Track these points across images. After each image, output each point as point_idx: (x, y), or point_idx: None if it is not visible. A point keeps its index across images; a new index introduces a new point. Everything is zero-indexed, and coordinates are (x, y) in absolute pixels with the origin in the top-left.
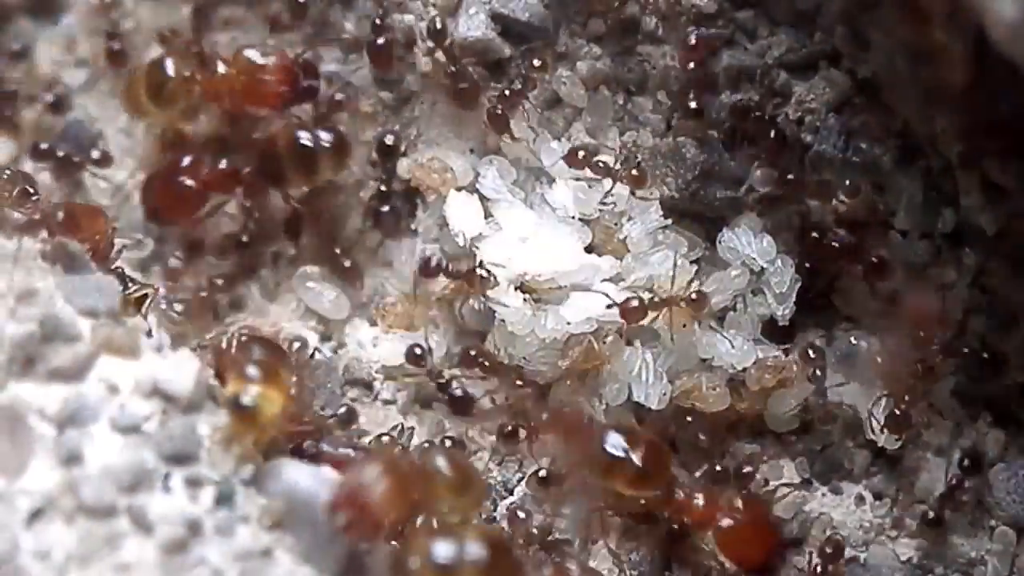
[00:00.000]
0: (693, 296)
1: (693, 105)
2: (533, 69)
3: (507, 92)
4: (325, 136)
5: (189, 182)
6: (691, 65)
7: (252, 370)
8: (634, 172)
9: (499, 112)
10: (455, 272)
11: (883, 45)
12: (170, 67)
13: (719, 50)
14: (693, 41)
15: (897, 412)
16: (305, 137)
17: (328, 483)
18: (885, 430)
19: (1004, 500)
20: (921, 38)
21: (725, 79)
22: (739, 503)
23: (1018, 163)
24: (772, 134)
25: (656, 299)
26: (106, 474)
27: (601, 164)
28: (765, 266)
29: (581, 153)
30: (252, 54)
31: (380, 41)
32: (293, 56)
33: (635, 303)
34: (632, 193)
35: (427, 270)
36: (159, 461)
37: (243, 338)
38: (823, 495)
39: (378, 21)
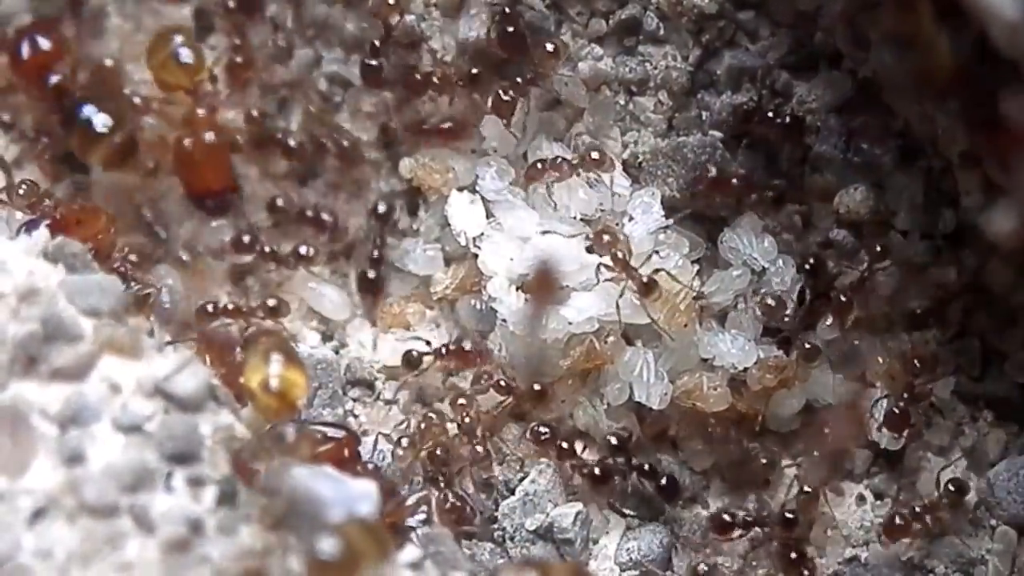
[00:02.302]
0: (645, 279)
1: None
2: (546, 56)
3: (519, 80)
4: (102, 120)
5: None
6: None
7: (275, 356)
8: (593, 155)
9: (507, 99)
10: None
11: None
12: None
13: (720, 51)
14: None
15: (896, 410)
16: (86, 111)
17: (330, 482)
18: (884, 429)
19: (1005, 499)
20: (908, 27)
21: (726, 79)
22: None
23: (1017, 163)
24: (789, 122)
25: (621, 255)
26: (108, 473)
27: (560, 160)
28: (766, 266)
29: (540, 165)
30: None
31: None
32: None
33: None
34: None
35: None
36: (161, 460)
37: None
38: (824, 495)
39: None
